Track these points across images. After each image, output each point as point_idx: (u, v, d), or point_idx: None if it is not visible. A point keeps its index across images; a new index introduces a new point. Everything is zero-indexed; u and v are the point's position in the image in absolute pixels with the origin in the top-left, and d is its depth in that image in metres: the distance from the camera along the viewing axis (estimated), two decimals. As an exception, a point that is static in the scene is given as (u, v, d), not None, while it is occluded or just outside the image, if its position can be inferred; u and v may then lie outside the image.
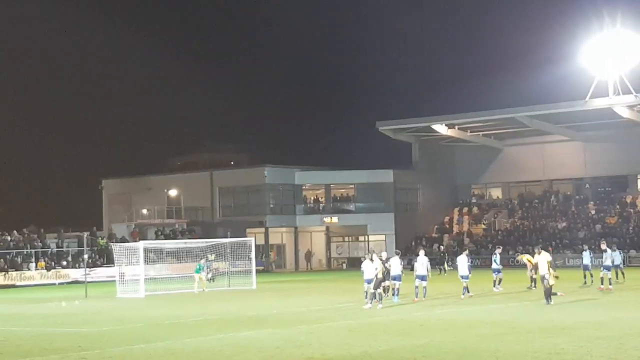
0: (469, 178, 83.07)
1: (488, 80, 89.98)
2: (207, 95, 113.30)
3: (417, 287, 32.02)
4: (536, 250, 30.05)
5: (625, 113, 67.67)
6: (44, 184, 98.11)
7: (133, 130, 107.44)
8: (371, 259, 30.64)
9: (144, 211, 79.03)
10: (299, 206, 77.72)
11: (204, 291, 42.32)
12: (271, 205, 76.64)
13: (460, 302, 30.72)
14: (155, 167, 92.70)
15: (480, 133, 78.74)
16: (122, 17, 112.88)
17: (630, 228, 69.41)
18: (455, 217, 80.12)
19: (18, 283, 56.63)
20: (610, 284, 36.28)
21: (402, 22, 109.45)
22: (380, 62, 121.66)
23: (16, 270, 57.97)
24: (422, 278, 32.07)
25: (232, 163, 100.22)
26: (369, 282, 29.40)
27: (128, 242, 58.54)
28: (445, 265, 59.85)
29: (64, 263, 61.23)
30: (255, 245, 50.60)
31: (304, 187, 78.60)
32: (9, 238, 61.69)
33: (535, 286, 35.35)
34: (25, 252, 60.84)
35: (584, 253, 40.20)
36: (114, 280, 44.76)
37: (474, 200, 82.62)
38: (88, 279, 47.66)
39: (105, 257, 62.06)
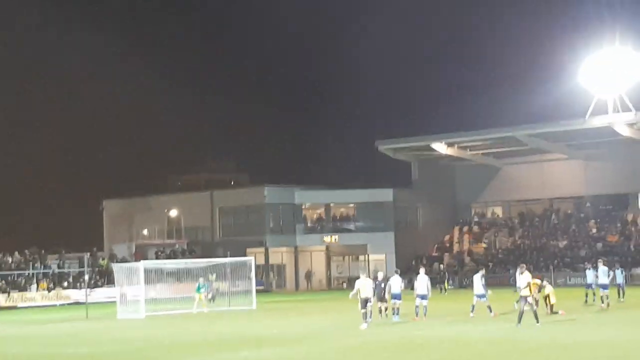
0: (469, 197, 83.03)
1: (487, 98, 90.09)
2: (207, 115, 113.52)
3: (417, 306, 31.98)
4: (519, 270, 28.77)
5: (625, 131, 67.72)
6: (44, 205, 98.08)
7: (133, 150, 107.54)
8: (375, 278, 30.93)
9: (145, 231, 79.03)
10: (299, 225, 77.66)
11: (204, 311, 42.24)
12: (271, 225, 76.57)
13: (460, 321, 30.64)
14: (156, 187, 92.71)
15: (480, 152, 78.79)
16: (122, 35, 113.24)
17: (632, 246, 69.30)
18: (456, 235, 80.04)
19: (20, 304, 56.60)
20: (602, 302, 36.41)
21: (402, 41, 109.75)
22: (380, 80, 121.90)
23: (18, 292, 57.93)
24: (423, 297, 32.02)
25: (232, 182, 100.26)
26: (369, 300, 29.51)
27: (129, 262, 58.50)
28: (446, 284, 59.83)
29: (65, 284, 61.18)
30: (255, 265, 50.53)
31: (303, 206, 78.59)
32: (10, 259, 61.67)
33: (537, 305, 35.28)
34: (26, 274, 60.81)
35: (587, 272, 39.98)
36: (115, 301, 44.70)
37: (474, 219, 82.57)
38: (89, 300, 47.58)
39: (106, 278, 62.00)
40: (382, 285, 31.43)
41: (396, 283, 31.82)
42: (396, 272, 33.80)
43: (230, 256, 50.34)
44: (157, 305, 43.43)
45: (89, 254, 60.88)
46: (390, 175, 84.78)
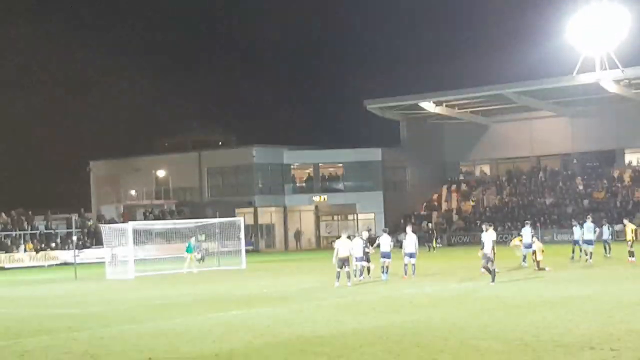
0: (457, 155, 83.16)
1: (476, 57, 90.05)
2: (194, 76, 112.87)
3: (406, 264, 32.11)
4: (484, 228, 28.85)
5: (613, 88, 67.79)
6: (31, 167, 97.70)
7: (120, 111, 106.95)
8: (362, 238, 31.13)
9: (133, 192, 78.89)
10: (287, 186, 77.72)
11: (193, 272, 42.32)
12: (260, 185, 76.61)
13: (448, 279, 30.82)
14: (143, 148, 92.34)
15: (468, 110, 78.77)
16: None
17: (618, 202, 69.69)
18: (444, 194, 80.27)
19: (7, 265, 56.53)
20: (589, 257, 37.03)
21: (388, 0, 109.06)
22: (367, 40, 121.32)
23: (5, 253, 57.85)
24: (411, 255, 32.16)
25: (220, 143, 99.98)
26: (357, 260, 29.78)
27: (117, 223, 58.46)
28: (434, 242, 60.10)
29: (53, 245, 61.14)
30: (245, 225, 50.59)
31: (292, 166, 78.57)
32: (-4, 220, 61.55)
33: (525, 262, 35.59)
34: (13, 234, 60.71)
35: (574, 228, 40.35)
36: (104, 262, 44.71)
37: (462, 178, 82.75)
38: (77, 261, 47.58)
39: (94, 239, 61.98)
40: (365, 244, 31.40)
41: (385, 242, 31.91)
42: (385, 231, 33.89)
43: (219, 216, 50.36)
44: (146, 265, 43.48)
45: (76, 215, 60.77)
46: (379, 135, 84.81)
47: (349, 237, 30.92)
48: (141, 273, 41.05)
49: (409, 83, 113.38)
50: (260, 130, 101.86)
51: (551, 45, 69.26)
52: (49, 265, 57.74)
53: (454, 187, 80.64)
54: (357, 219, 76.61)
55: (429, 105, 75.47)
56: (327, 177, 79.62)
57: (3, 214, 62.88)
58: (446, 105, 76.64)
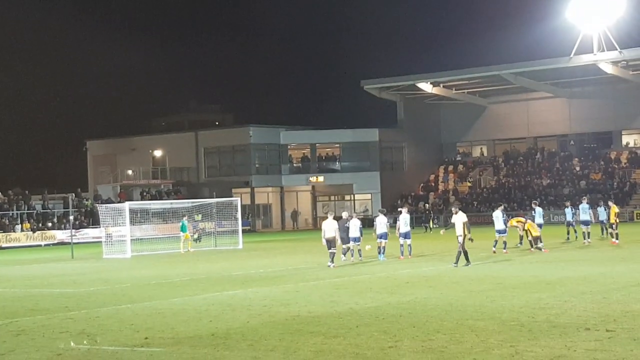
0: (454, 136, 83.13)
1: (473, 38, 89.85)
2: (192, 55, 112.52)
3: (401, 245, 32.15)
4: (453, 210, 28.83)
5: (610, 69, 67.69)
6: (28, 146, 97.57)
7: (117, 90, 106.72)
8: (339, 218, 31.47)
9: (129, 172, 78.84)
10: (284, 166, 77.69)
11: (189, 251, 42.37)
12: (257, 165, 76.58)
13: (445, 260, 30.84)
14: (140, 127, 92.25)
15: (465, 91, 78.67)
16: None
17: (615, 184, 69.75)
18: (441, 175, 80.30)
19: (4, 245, 56.57)
20: (585, 238, 37.35)
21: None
22: (365, 20, 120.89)
23: (2, 232, 57.85)
24: (405, 235, 32.21)
25: (217, 123, 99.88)
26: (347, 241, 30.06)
27: (114, 203, 58.44)
28: (431, 223, 60.11)
29: (50, 224, 61.14)
30: (241, 205, 50.62)
31: (289, 146, 78.49)
32: (-7, 200, 61.47)
33: (521, 243, 35.64)
34: (10, 214, 60.68)
35: (566, 210, 40.67)
36: (100, 241, 44.73)
37: (459, 158, 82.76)
38: (74, 240, 47.60)
39: (91, 219, 61.99)
40: (346, 225, 31.27)
41: (381, 223, 31.93)
42: (381, 211, 33.92)
43: (215, 196, 50.33)
44: (143, 245, 43.52)
45: (73, 194, 60.73)
46: (376, 115, 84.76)
47: (335, 218, 30.91)
48: (138, 252, 41.10)
49: (406, 63, 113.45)
50: (257, 110, 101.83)
51: (549, 26, 69.16)
52: (46, 245, 57.79)
53: (451, 167, 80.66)
54: (354, 200, 76.64)
55: (426, 86, 75.37)
56: (324, 157, 79.58)
57: (0, 194, 62.82)
58: (443, 86, 76.53)
